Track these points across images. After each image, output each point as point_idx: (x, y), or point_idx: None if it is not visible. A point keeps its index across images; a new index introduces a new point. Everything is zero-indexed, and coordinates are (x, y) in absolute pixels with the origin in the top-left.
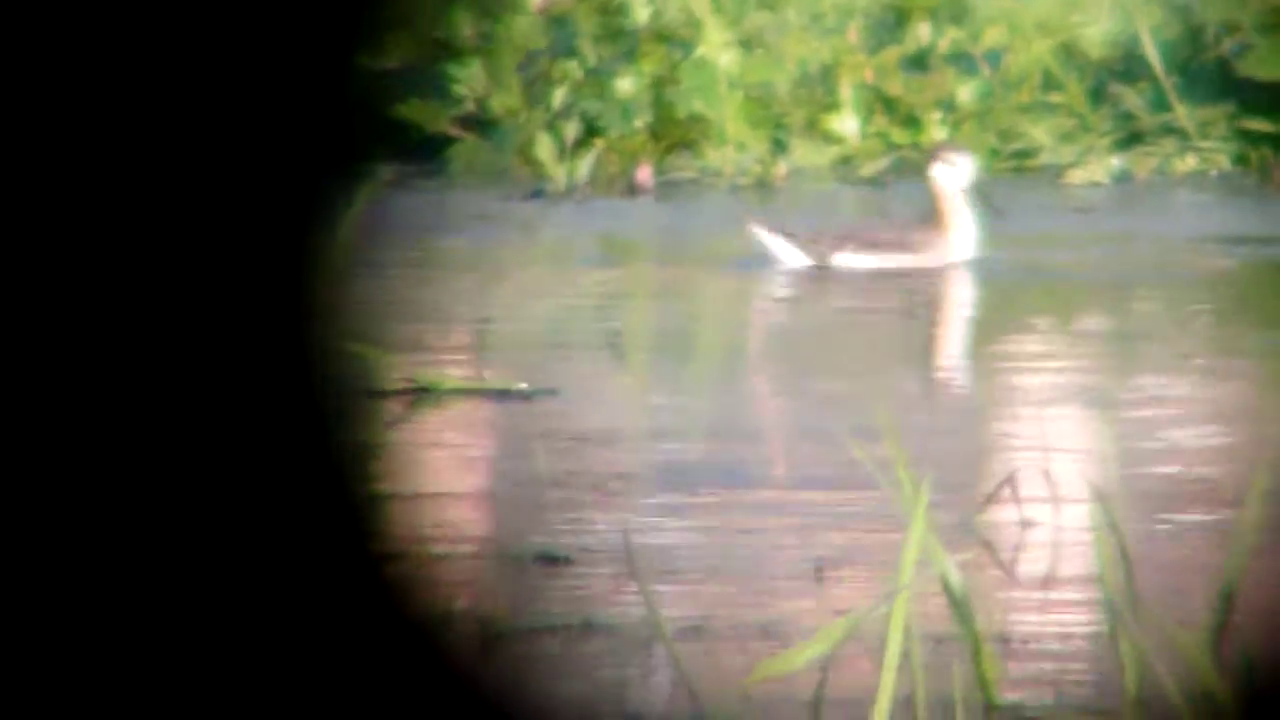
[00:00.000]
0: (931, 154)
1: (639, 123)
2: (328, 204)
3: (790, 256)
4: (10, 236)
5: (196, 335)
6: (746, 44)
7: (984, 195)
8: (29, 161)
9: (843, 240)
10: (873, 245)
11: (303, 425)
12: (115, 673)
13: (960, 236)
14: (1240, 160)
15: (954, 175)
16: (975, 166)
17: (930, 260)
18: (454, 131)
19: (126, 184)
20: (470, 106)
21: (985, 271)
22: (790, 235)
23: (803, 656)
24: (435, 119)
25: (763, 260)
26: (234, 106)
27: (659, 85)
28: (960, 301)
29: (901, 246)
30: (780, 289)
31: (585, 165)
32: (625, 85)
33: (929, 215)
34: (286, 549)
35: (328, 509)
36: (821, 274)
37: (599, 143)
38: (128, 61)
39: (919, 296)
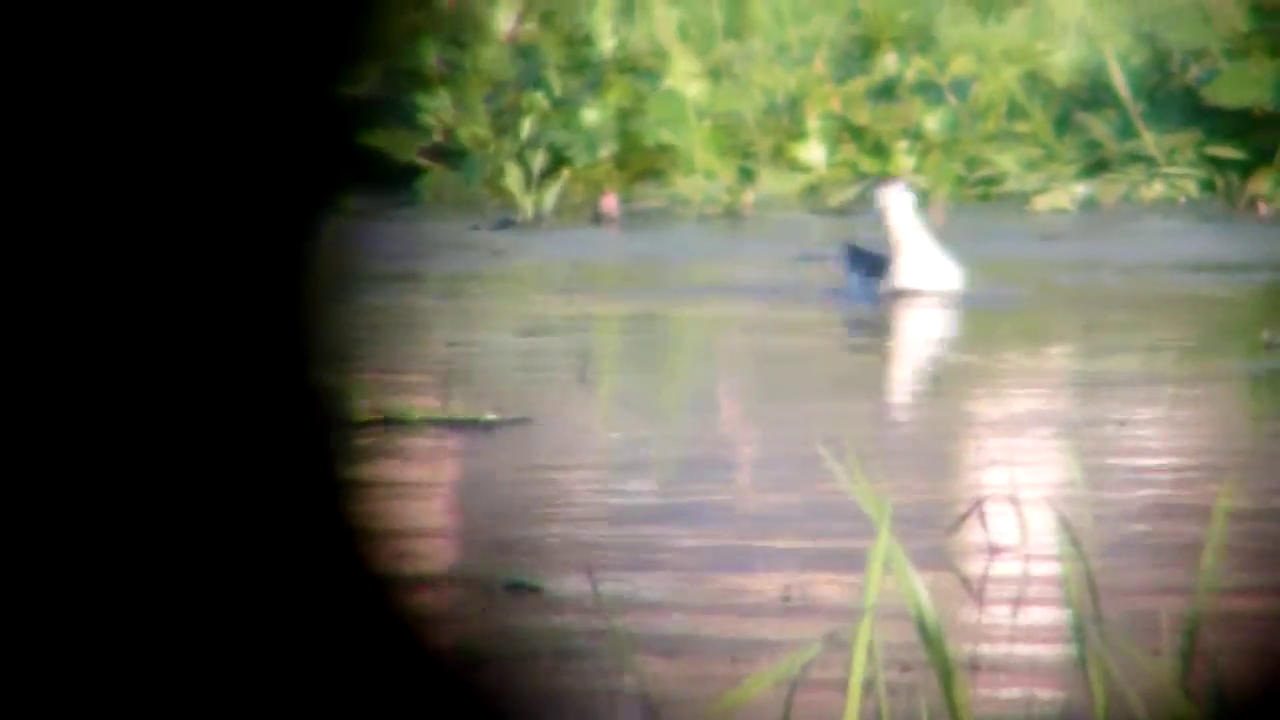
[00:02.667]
0: (880, 184)
1: (605, 152)
2: (295, 233)
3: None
4: None
5: (163, 365)
6: (714, 74)
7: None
8: (11, 184)
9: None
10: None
11: (271, 457)
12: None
13: (915, 265)
14: (1207, 186)
15: (903, 204)
16: (916, 197)
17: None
18: (422, 161)
19: (94, 213)
20: (438, 136)
21: (950, 299)
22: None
23: (770, 681)
24: (403, 148)
25: (731, 288)
26: (201, 136)
27: (626, 115)
28: (926, 328)
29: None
30: (748, 316)
31: (552, 194)
32: (592, 115)
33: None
34: (252, 582)
35: (294, 542)
36: (801, 300)
37: (566, 172)
38: (97, 93)
39: (883, 324)
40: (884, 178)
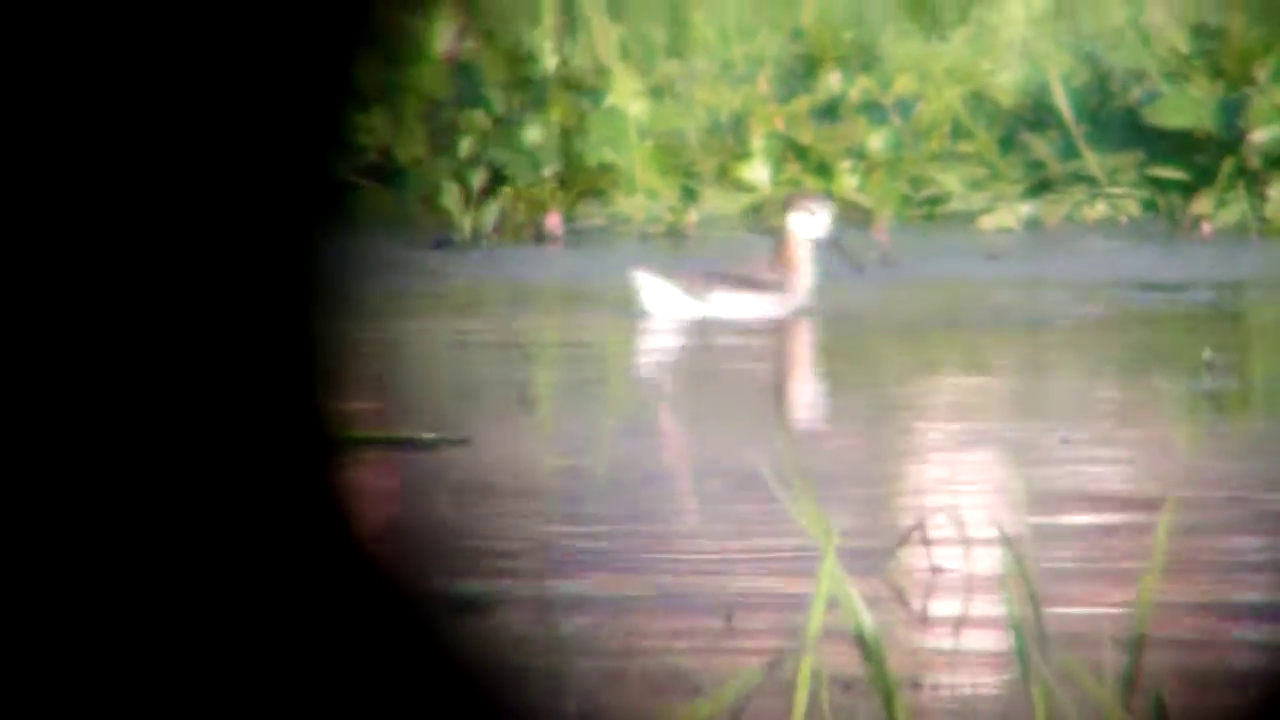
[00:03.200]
0: (788, 201)
1: (547, 171)
2: (231, 253)
3: (670, 301)
4: None
5: (108, 389)
6: (656, 92)
7: (841, 248)
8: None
9: (716, 281)
10: (747, 285)
11: (208, 480)
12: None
13: (802, 284)
14: (1149, 207)
15: (810, 224)
16: (831, 218)
17: (782, 304)
18: (359, 180)
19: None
20: (375, 155)
21: (888, 317)
22: (671, 279)
23: (715, 703)
24: (339, 166)
25: (653, 307)
26: (138, 161)
27: (568, 134)
28: (864, 346)
29: (775, 287)
30: (683, 335)
31: (491, 213)
32: (533, 134)
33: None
34: (198, 602)
35: (237, 563)
36: (704, 317)
37: (507, 191)
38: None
39: (813, 341)
40: (801, 194)
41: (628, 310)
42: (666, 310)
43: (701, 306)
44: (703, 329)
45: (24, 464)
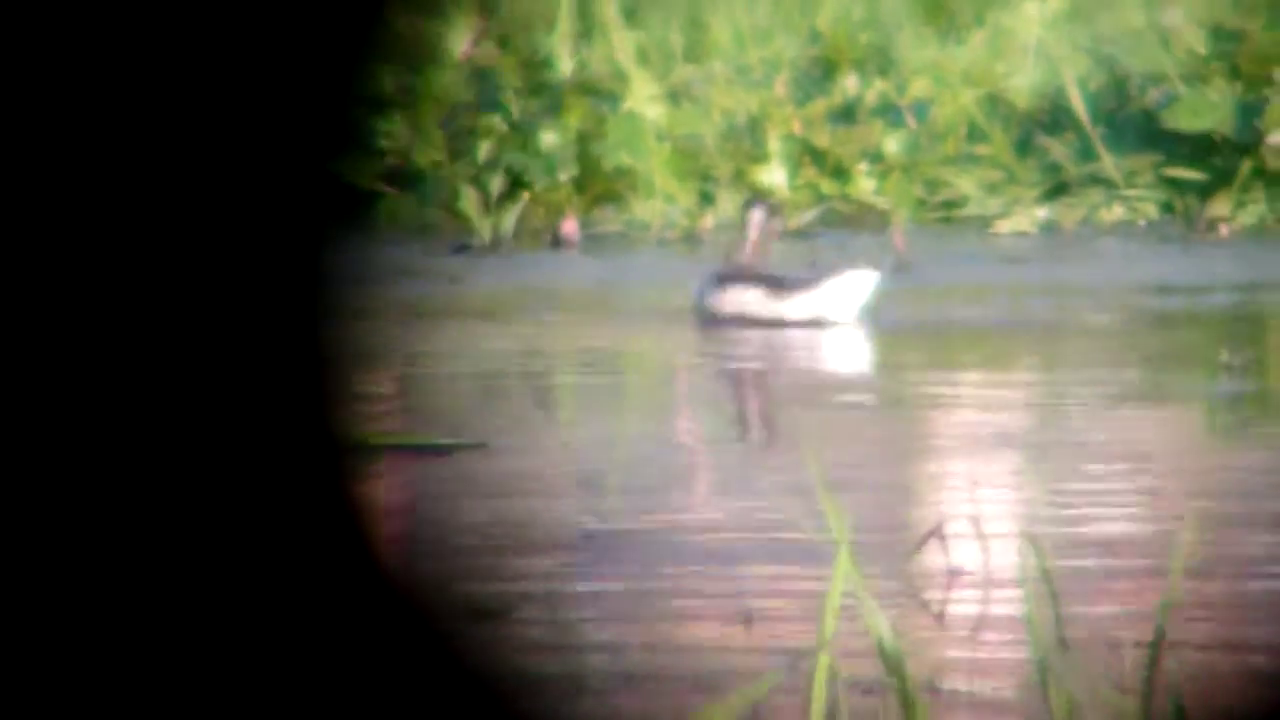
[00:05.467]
0: (749, 202)
1: (564, 176)
2: (254, 259)
3: (744, 303)
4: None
5: (129, 391)
6: (673, 96)
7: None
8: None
9: (792, 283)
10: (780, 287)
11: (229, 484)
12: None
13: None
14: (1167, 209)
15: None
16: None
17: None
18: (377, 185)
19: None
20: (394, 160)
21: (907, 322)
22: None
23: (733, 706)
24: (359, 172)
25: (692, 311)
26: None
27: (585, 138)
28: (886, 349)
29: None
30: (702, 338)
31: (510, 218)
32: (550, 138)
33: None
34: (217, 607)
35: (258, 566)
36: (734, 320)
37: (524, 196)
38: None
39: (835, 346)
40: (759, 196)
41: (649, 314)
42: (736, 313)
43: (779, 308)
44: (720, 331)
45: (41, 470)
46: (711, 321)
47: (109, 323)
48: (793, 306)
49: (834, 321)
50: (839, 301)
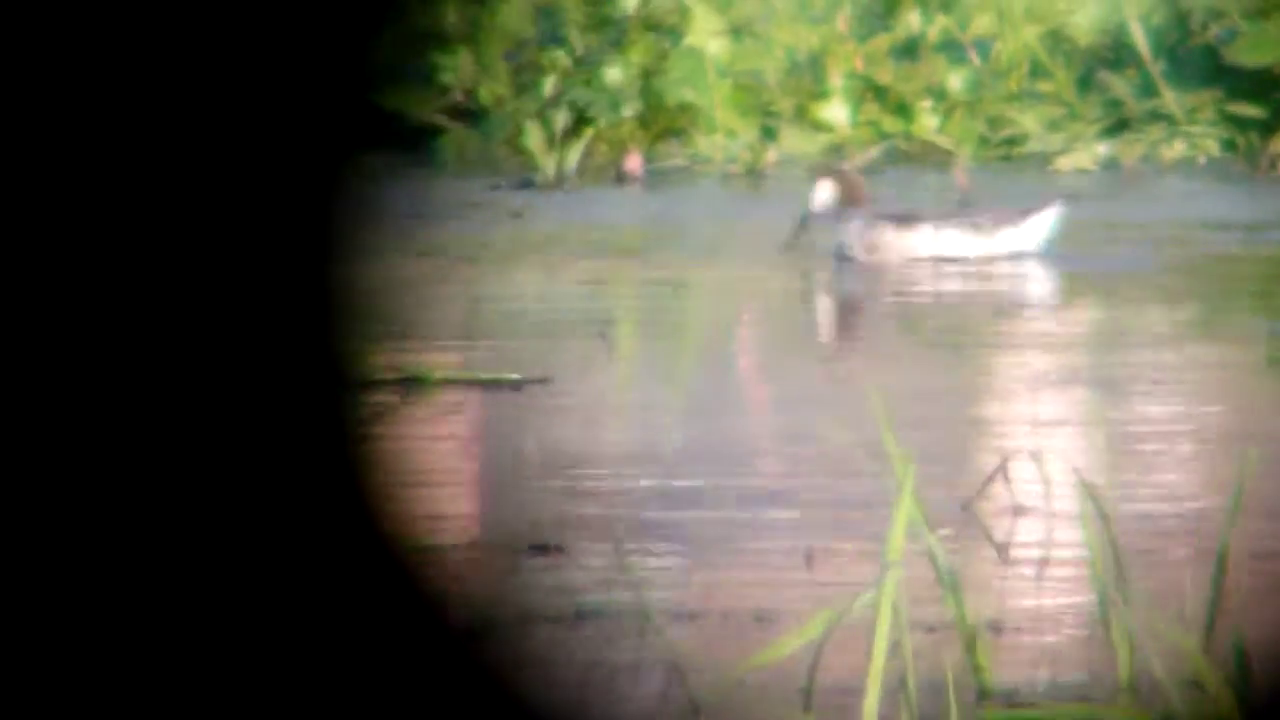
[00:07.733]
0: (816, 172)
1: (628, 111)
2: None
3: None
4: (14, 237)
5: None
6: (735, 32)
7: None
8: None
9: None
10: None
11: (294, 416)
12: (115, 671)
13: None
14: (1228, 146)
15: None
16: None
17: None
18: (442, 121)
19: (114, 181)
20: (458, 96)
21: (975, 258)
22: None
23: (794, 643)
24: (423, 108)
25: (750, 249)
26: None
27: (648, 74)
28: (948, 289)
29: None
30: (768, 275)
31: (574, 154)
32: (614, 74)
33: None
34: (277, 540)
35: (319, 500)
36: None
37: (588, 131)
38: (115, 64)
39: (904, 285)
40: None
41: (712, 249)
42: (882, 252)
43: (929, 245)
44: (783, 268)
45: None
46: (867, 266)
47: (159, 265)
48: (999, 242)
49: (1031, 254)
50: (1039, 235)
